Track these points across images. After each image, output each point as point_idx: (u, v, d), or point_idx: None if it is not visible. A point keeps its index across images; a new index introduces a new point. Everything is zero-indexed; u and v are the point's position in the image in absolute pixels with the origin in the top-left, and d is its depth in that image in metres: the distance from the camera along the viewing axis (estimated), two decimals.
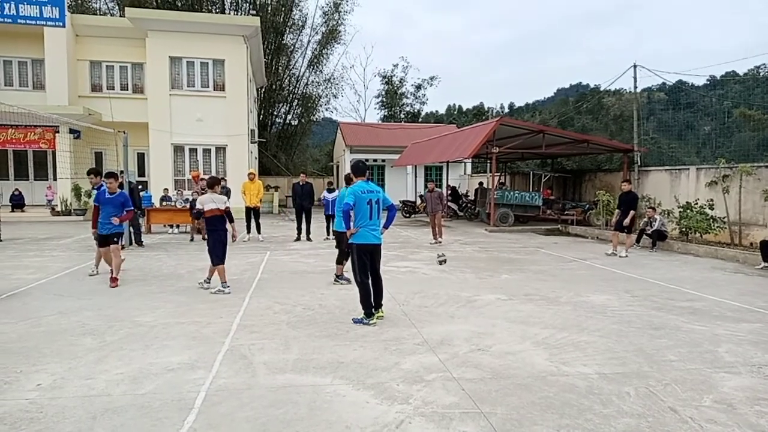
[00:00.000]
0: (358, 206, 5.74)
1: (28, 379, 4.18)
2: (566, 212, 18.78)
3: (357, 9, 79.30)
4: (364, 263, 5.82)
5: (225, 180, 17.22)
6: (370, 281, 5.89)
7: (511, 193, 19.06)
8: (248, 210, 14.00)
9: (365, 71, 66.70)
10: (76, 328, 5.63)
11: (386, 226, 6.09)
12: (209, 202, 7.42)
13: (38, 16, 19.23)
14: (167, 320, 5.95)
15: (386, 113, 44.84)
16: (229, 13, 31.16)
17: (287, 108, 37.65)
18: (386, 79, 44.95)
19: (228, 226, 7.57)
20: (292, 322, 5.91)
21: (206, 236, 7.65)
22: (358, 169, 5.96)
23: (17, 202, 20.07)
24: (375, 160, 31.12)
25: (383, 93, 45.17)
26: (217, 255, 7.43)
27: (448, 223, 19.91)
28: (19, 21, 19.14)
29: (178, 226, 15.83)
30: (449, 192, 23.43)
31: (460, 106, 70.21)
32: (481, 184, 22.11)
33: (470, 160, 27.96)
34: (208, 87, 21.02)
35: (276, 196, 26.34)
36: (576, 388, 4.07)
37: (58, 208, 19.58)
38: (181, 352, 4.84)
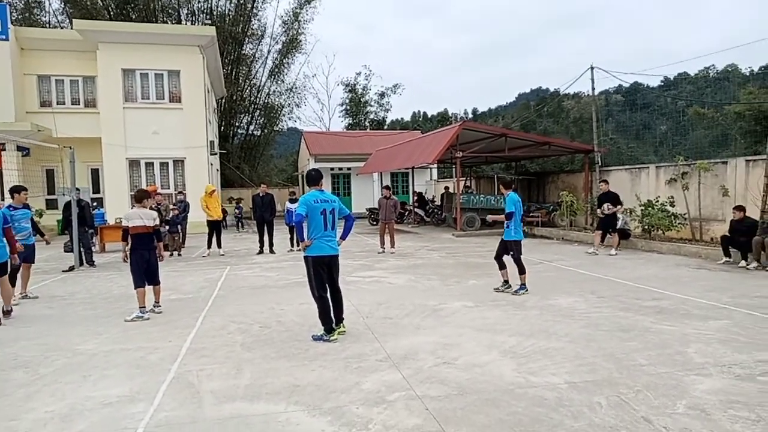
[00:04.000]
0: (312, 216, 5.43)
1: None
2: (531, 214, 18.83)
3: (318, 18, 79.19)
4: (321, 276, 5.51)
5: (184, 194, 16.63)
6: (328, 295, 5.58)
7: (477, 197, 19.02)
8: (210, 224, 13.49)
9: (328, 80, 66.48)
10: (8, 360, 5.14)
11: (343, 237, 5.80)
12: (135, 218, 6.83)
13: None
14: (111, 347, 5.50)
15: (351, 121, 44.63)
16: (186, 24, 30.47)
17: (249, 118, 37.04)
18: (349, 88, 44.81)
19: (157, 244, 7.01)
20: (247, 342, 5.54)
21: (127, 255, 6.90)
22: (311, 177, 5.66)
23: None
24: (340, 169, 30.79)
25: (347, 101, 44.97)
26: (139, 276, 6.78)
27: (416, 229, 19.74)
28: None
29: None
30: (415, 198, 23.29)
31: (425, 113, 70.69)
32: (447, 189, 22.04)
33: (436, 166, 27.96)
34: (163, 99, 20.37)
35: None
36: (545, 401, 3.85)
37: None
38: (121, 383, 4.42)
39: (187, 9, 31.69)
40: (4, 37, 18.70)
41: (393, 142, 27.51)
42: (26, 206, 8.22)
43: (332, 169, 30.84)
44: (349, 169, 30.59)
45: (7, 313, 6.83)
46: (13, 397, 4.20)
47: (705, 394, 3.93)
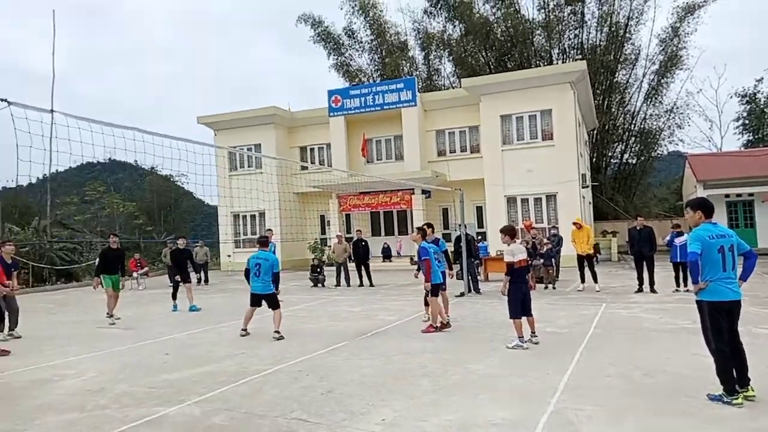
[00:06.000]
0: (707, 255, 4.73)
1: (377, 412, 4.80)
2: None
3: (701, 27, 68.31)
4: (718, 325, 4.71)
5: (557, 228, 17.01)
6: (728, 348, 4.73)
7: None
8: (580, 258, 13.38)
9: (717, 93, 56.55)
10: (417, 368, 6.26)
11: (744, 278, 4.85)
12: (519, 252, 7.34)
13: (397, 101, 23.48)
14: (496, 371, 6.04)
15: (750, 138, 37.18)
16: (557, 63, 31.57)
17: (623, 147, 35.22)
18: (747, 99, 37.50)
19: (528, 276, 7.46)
20: (628, 389, 5.20)
21: (505, 287, 7.35)
22: (705, 207, 4.96)
23: (386, 254, 24.24)
24: (738, 195, 25.90)
25: (743, 115, 37.75)
26: (517, 307, 7.22)
27: None
28: (384, 107, 23.77)
29: None
30: None
31: None
32: None
33: None
34: (536, 138, 21.52)
35: (614, 242, 24.54)
36: None
37: (416, 259, 22.72)
38: (506, 407, 4.80)
39: (558, 48, 32.82)
40: (413, 103, 23.39)
41: None
42: (435, 241, 9.85)
43: (727, 196, 26.21)
44: (750, 195, 25.42)
45: (445, 325, 8.48)
46: (421, 400, 5.09)
47: None
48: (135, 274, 18.92)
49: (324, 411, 4.87)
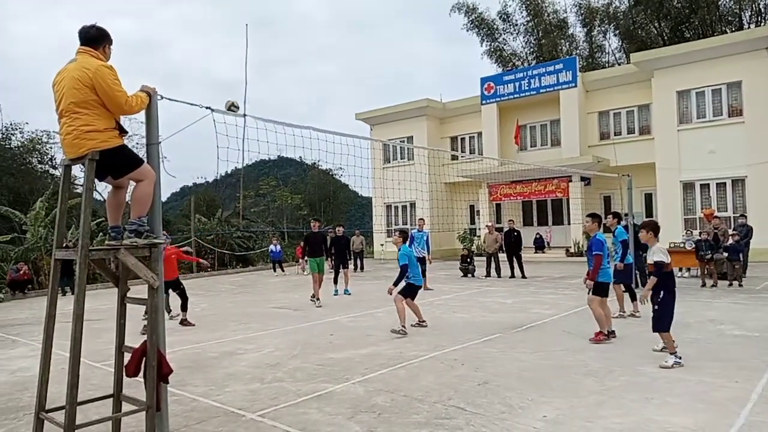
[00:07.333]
0: None
1: (538, 408, 4.63)
2: None
3: None
4: None
5: (745, 217, 14.84)
6: None
7: None
8: None
9: None
10: (579, 366, 5.91)
11: None
12: (663, 254, 6.06)
13: (555, 83, 22.34)
14: (671, 374, 5.47)
15: None
16: (748, 27, 27.29)
17: None
18: None
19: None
20: None
21: (659, 294, 6.00)
22: None
23: (539, 245, 23.26)
24: None
25: None
26: (671, 318, 5.98)
27: None
28: (540, 91, 22.75)
29: (688, 270, 14.60)
30: None
31: None
32: None
33: None
34: (720, 115, 18.89)
35: None
36: None
37: (572, 250, 21.49)
38: (683, 414, 4.32)
39: (751, 10, 28.33)
40: (573, 84, 21.99)
41: None
42: (607, 231, 9.30)
43: None
44: None
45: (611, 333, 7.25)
46: (586, 400, 4.80)
47: None
48: (300, 260, 20.64)
49: (481, 402, 4.84)
